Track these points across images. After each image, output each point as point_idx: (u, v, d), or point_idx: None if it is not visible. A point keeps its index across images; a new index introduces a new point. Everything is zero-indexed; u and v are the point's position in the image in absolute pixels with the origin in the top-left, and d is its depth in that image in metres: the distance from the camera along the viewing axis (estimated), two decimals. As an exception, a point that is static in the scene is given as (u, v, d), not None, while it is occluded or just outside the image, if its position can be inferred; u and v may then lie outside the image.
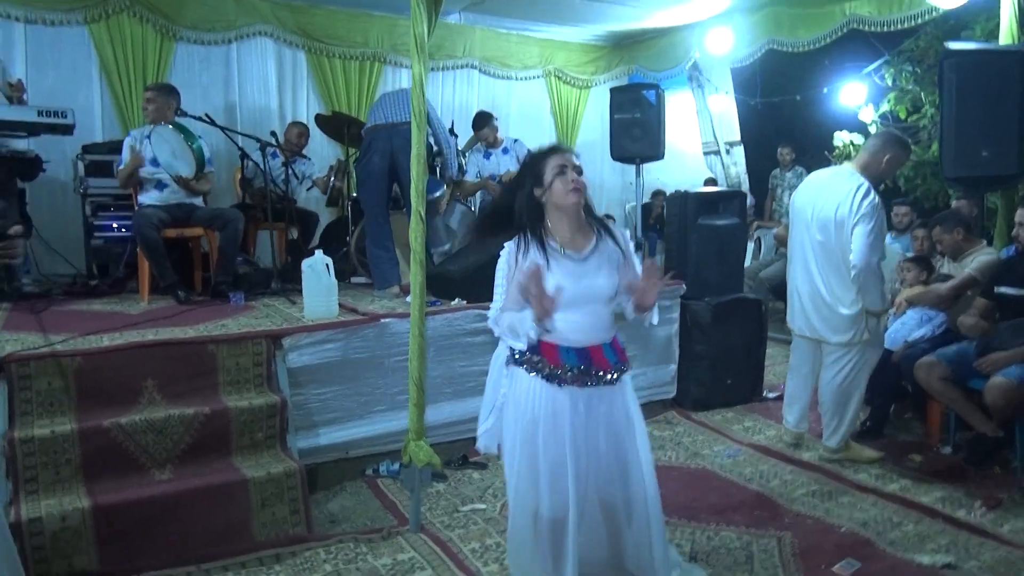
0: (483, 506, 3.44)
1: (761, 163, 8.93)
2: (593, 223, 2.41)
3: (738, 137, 9.22)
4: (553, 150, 2.38)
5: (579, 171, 2.34)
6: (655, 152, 5.47)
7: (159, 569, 2.80)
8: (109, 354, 3.15)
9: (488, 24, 7.41)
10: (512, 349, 2.36)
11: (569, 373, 2.30)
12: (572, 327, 2.28)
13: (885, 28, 5.73)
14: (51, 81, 5.62)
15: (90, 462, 2.93)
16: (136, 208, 4.60)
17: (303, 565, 2.90)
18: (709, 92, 9.04)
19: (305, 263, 3.84)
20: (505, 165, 5.93)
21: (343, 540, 3.07)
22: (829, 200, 3.67)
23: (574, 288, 2.26)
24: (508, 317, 2.30)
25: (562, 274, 2.27)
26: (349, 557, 2.96)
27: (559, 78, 8.08)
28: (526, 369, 2.33)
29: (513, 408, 2.35)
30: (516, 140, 6.14)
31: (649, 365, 4.78)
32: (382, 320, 3.75)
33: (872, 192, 3.58)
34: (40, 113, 4.38)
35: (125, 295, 4.75)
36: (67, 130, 4.54)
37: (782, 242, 6.04)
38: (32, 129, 4.51)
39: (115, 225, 5.01)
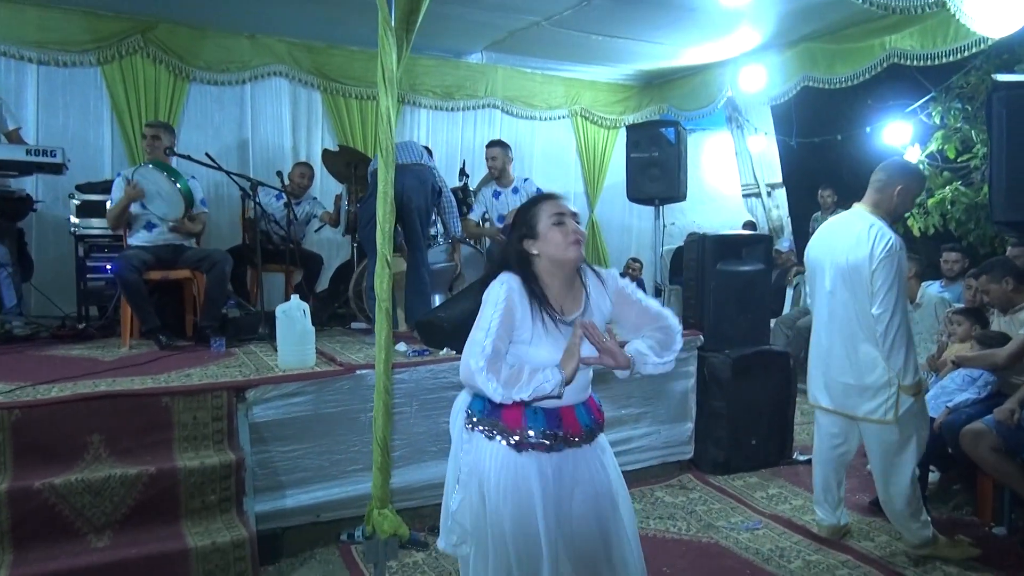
0: (460, 583, 3.08)
1: (804, 206, 8.47)
2: (582, 277, 2.12)
3: (780, 179, 8.82)
4: (547, 197, 2.11)
5: (577, 220, 2.06)
6: (675, 193, 5.11)
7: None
8: (51, 407, 2.91)
9: (511, 63, 7.23)
10: (469, 412, 2.05)
11: (534, 438, 1.98)
12: None
13: (929, 62, 5.40)
14: (61, 121, 5.60)
15: (19, 527, 2.68)
16: (124, 249, 4.43)
17: (241, 651, 2.60)
18: (748, 132, 8.70)
19: (279, 308, 3.57)
20: (514, 205, 5.60)
21: (294, 621, 2.76)
22: (842, 246, 3.22)
23: (558, 352, 1.98)
24: (512, 370, 1.93)
25: (551, 343, 1.98)
26: (294, 643, 2.64)
27: (586, 118, 7.83)
28: (485, 435, 2.02)
29: (476, 482, 2.03)
30: (526, 179, 5.76)
31: (663, 423, 4.38)
32: (357, 372, 3.45)
33: (888, 233, 3.11)
34: (29, 152, 4.29)
35: (112, 339, 4.59)
36: (56, 169, 4.44)
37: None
38: (22, 168, 4.42)
39: (108, 267, 4.86)
